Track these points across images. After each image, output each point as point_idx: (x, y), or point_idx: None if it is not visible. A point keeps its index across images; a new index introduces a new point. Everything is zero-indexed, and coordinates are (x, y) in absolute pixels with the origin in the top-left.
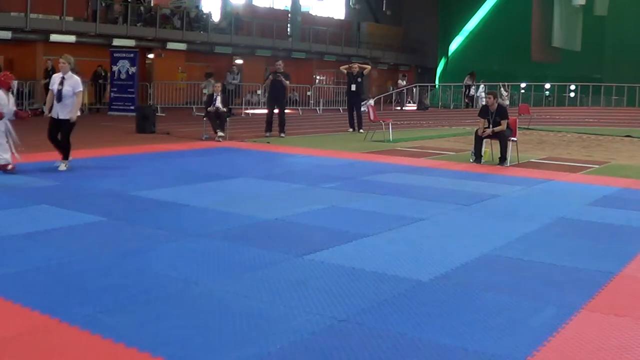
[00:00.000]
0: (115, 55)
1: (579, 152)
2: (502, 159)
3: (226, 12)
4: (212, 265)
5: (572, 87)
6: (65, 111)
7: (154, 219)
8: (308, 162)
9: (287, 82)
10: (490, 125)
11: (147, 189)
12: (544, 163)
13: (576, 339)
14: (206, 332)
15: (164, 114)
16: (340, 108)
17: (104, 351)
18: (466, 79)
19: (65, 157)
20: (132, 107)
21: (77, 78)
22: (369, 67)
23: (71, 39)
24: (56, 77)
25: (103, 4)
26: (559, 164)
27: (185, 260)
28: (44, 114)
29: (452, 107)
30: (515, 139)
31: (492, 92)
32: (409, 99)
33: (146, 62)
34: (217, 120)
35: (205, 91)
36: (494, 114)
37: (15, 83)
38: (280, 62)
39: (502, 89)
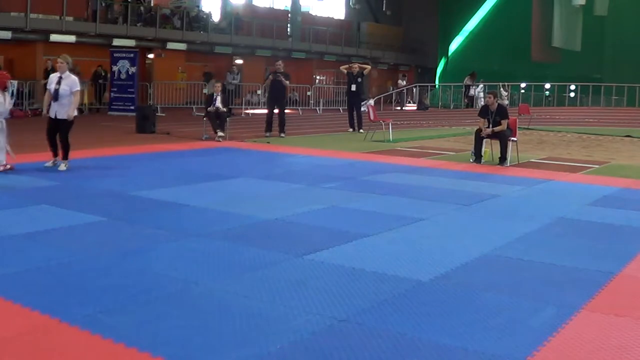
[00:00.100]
0: (115, 55)
1: (579, 152)
2: (502, 159)
3: (226, 12)
4: (212, 265)
5: (572, 87)
6: (62, 111)
7: (154, 219)
8: (308, 162)
9: (287, 82)
10: (490, 125)
11: (147, 189)
12: (544, 163)
13: (576, 339)
14: (206, 332)
15: (164, 114)
16: (340, 108)
17: (104, 351)
18: (466, 79)
19: (65, 156)
20: (132, 107)
21: (74, 77)
22: (369, 67)
23: (71, 39)
24: (54, 77)
25: (103, 4)
26: (559, 164)
27: (185, 260)
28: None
29: (452, 107)
30: (515, 139)
31: (492, 91)
32: (409, 99)
33: (146, 62)
34: (217, 120)
35: (205, 91)
36: (494, 114)
37: (15, 83)
38: (280, 62)
39: (501, 89)
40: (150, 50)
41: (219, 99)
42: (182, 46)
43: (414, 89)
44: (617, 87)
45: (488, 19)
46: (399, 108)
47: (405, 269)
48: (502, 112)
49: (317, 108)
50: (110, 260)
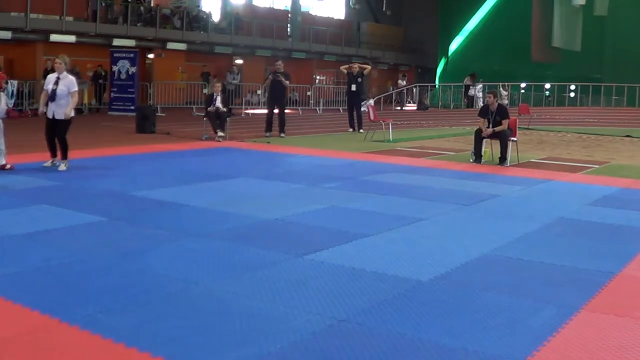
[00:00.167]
0: (115, 55)
1: (579, 152)
2: (502, 159)
3: (226, 12)
4: (212, 265)
5: (572, 87)
6: (60, 111)
7: (154, 219)
8: (308, 162)
9: (287, 82)
10: (490, 125)
11: (147, 189)
12: (544, 163)
13: (576, 339)
14: (206, 332)
15: (164, 114)
16: (340, 108)
17: (104, 351)
18: (466, 79)
19: (64, 156)
20: (132, 107)
21: (72, 78)
22: (369, 67)
23: (71, 39)
24: (51, 77)
25: (103, 4)
26: (559, 164)
27: (185, 260)
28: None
29: (452, 107)
30: (515, 139)
31: (492, 91)
32: (409, 99)
33: (146, 62)
34: (217, 120)
35: (205, 91)
36: (494, 114)
37: (15, 83)
38: (280, 62)
39: (501, 88)
40: (150, 50)
41: (219, 99)
42: (182, 46)
43: (414, 89)
44: (617, 87)
45: (488, 19)
46: (399, 108)
47: (405, 269)
48: (502, 112)
49: (317, 108)
50: (110, 260)
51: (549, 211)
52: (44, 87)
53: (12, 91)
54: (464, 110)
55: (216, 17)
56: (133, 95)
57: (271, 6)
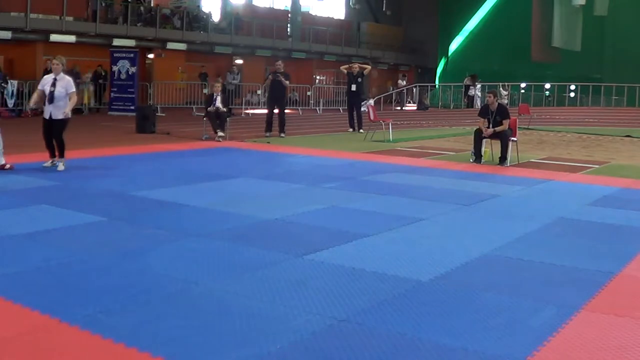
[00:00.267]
0: (115, 55)
1: (579, 152)
2: (502, 159)
3: (226, 12)
4: (212, 265)
5: (572, 87)
6: (57, 112)
7: (154, 219)
8: (308, 162)
9: (287, 82)
10: (491, 125)
11: (147, 189)
12: (544, 163)
13: (576, 339)
14: (206, 332)
15: (164, 114)
16: (340, 108)
17: (104, 351)
18: (466, 79)
19: (61, 155)
20: (132, 107)
21: (69, 78)
22: (369, 67)
23: (71, 39)
24: (48, 78)
25: (103, 4)
26: (559, 164)
27: (185, 260)
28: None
29: (452, 107)
30: (515, 139)
31: (492, 90)
32: (409, 99)
33: (146, 62)
34: (217, 120)
35: (205, 91)
36: (495, 114)
37: (15, 83)
38: (280, 62)
39: (501, 88)
40: (150, 50)
41: (219, 99)
42: (182, 46)
43: (414, 89)
44: (617, 87)
45: (488, 19)
46: (399, 108)
47: (405, 269)
48: (502, 112)
49: (317, 108)
50: (110, 260)
51: (549, 211)
52: (39, 87)
53: (12, 91)
54: (464, 110)
55: (216, 17)
56: (133, 95)
57: (271, 6)
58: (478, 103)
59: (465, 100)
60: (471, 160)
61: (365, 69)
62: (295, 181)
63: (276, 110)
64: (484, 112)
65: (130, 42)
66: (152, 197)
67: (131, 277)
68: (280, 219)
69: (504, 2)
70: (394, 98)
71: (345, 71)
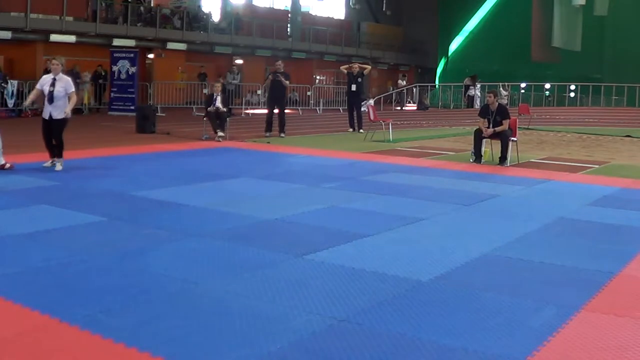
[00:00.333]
0: (115, 55)
1: (579, 152)
2: (502, 159)
3: (226, 12)
4: (212, 265)
5: (572, 87)
6: (56, 112)
7: (154, 219)
8: (308, 162)
9: (287, 82)
10: (491, 125)
11: (147, 189)
12: (544, 163)
13: (576, 339)
14: (206, 332)
15: (164, 114)
16: (340, 108)
17: (104, 351)
18: (466, 80)
19: (59, 154)
20: (132, 107)
21: (68, 78)
22: (369, 67)
23: (71, 39)
24: (47, 78)
25: (103, 4)
26: (559, 164)
27: (185, 260)
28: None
29: (452, 107)
30: (515, 139)
31: (492, 90)
32: (409, 99)
33: (146, 62)
34: (217, 120)
35: (205, 91)
36: (495, 114)
37: (15, 83)
38: (280, 62)
39: (501, 88)
40: (150, 50)
41: (219, 99)
42: (182, 46)
43: (414, 89)
44: (617, 87)
45: (488, 19)
46: (399, 108)
47: (405, 269)
48: (503, 112)
49: (317, 108)
50: (110, 260)
51: (549, 211)
52: (37, 86)
53: (12, 91)
54: (464, 110)
55: (216, 17)
56: (133, 95)
57: (271, 6)
58: (478, 103)
59: (465, 100)
60: (471, 160)
61: (365, 69)
62: (295, 181)
63: (276, 110)
64: (484, 112)
65: (130, 42)
66: (152, 197)
67: (131, 277)
68: (280, 219)
69: (504, 2)
70: (394, 98)
71: (345, 71)
